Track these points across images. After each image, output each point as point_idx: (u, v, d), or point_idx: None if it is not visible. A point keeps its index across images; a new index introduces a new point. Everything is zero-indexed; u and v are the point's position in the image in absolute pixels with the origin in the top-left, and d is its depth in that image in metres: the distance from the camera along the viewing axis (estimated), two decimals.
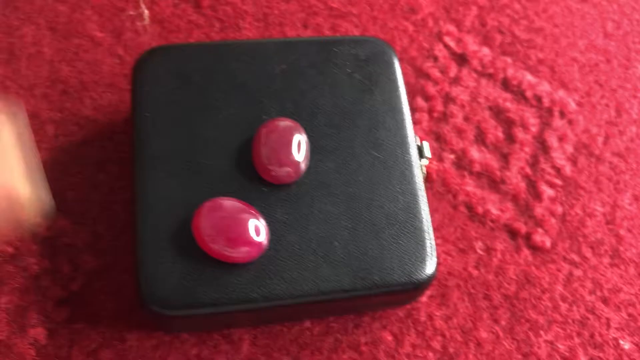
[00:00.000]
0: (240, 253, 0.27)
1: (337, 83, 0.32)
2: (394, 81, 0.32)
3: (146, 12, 0.39)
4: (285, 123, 0.30)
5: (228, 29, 0.39)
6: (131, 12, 0.39)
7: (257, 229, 0.28)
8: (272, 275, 0.28)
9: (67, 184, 0.35)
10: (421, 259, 0.29)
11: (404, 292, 0.29)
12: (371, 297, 0.29)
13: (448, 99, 0.39)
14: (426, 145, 0.32)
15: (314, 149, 0.31)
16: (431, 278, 0.29)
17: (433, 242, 0.30)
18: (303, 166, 0.30)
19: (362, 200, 0.30)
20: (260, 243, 0.28)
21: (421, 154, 0.32)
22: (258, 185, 0.29)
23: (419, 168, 0.31)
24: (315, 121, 0.31)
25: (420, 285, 0.29)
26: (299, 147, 0.30)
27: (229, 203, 0.28)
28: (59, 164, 0.35)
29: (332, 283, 0.28)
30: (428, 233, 0.30)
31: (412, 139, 0.32)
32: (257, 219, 0.28)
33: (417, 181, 0.31)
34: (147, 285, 0.27)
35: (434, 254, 0.30)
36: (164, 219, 0.28)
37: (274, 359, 0.32)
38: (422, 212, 0.30)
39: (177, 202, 0.29)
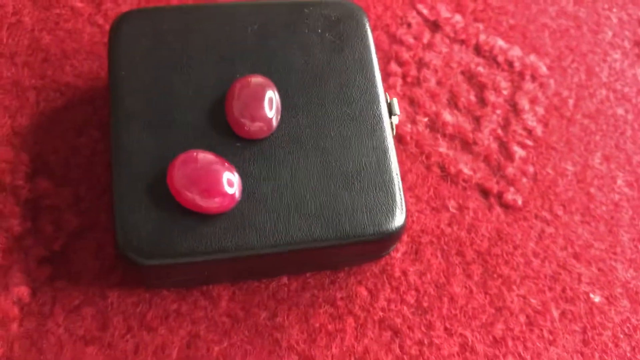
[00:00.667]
0: (214, 204, 0.28)
1: (308, 42, 0.33)
2: (364, 40, 0.33)
3: None
4: (257, 79, 0.31)
5: None
6: None
7: (230, 181, 0.29)
8: (245, 225, 0.29)
9: (49, 147, 0.35)
10: (390, 210, 0.30)
11: (374, 242, 0.30)
12: (342, 247, 0.30)
13: (421, 64, 0.40)
14: (395, 102, 0.33)
15: (286, 106, 0.31)
16: (401, 229, 0.30)
17: (402, 195, 0.31)
18: (275, 121, 0.31)
19: (333, 154, 0.31)
20: (232, 195, 0.29)
21: (391, 111, 0.33)
22: (231, 140, 0.30)
23: (388, 124, 0.32)
24: (287, 79, 0.32)
25: (390, 236, 0.30)
26: (271, 102, 0.30)
27: (203, 155, 0.29)
28: (41, 129, 0.36)
29: (303, 233, 0.29)
30: (397, 186, 0.31)
31: (382, 96, 0.32)
32: (230, 172, 0.29)
33: (386, 136, 0.32)
34: (124, 235, 0.28)
35: (403, 205, 0.30)
36: (140, 172, 0.29)
37: (252, 314, 0.33)
38: (392, 166, 0.31)
39: (152, 155, 0.30)
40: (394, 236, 0.30)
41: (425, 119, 0.38)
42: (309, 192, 0.30)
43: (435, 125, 0.38)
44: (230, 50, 0.32)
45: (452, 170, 0.37)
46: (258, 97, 0.30)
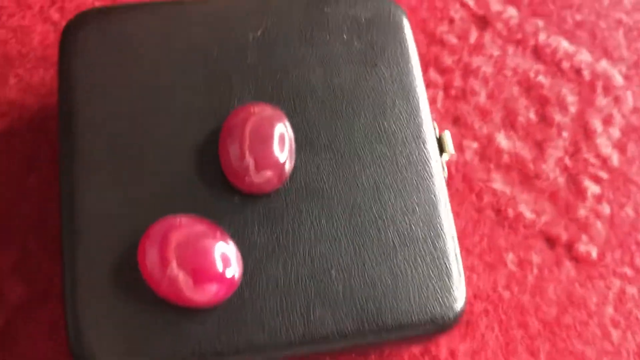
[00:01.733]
0: (204, 294, 0.20)
1: (331, 55, 0.24)
2: (404, 51, 0.25)
3: None
4: (262, 110, 0.22)
5: None
6: None
7: (226, 259, 0.20)
8: (247, 320, 0.21)
9: None
10: (446, 291, 0.22)
11: (424, 336, 0.22)
12: (381, 343, 0.22)
13: (467, 71, 0.31)
14: (447, 136, 0.24)
15: (302, 144, 0.23)
16: (459, 315, 0.22)
17: (461, 267, 0.23)
18: (288, 167, 0.22)
19: (368, 212, 0.23)
20: (230, 279, 0.21)
21: (441, 148, 0.24)
22: (228, 195, 0.22)
23: (439, 167, 0.24)
24: (302, 106, 0.24)
25: (445, 326, 0.22)
26: (282, 141, 0.22)
27: (188, 223, 0.21)
28: None
29: (329, 327, 0.21)
30: (455, 255, 0.23)
31: (430, 128, 0.24)
32: (226, 244, 0.21)
33: (437, 185, 0.23)
34: (78, 335, 0.20)
35: (463, 282, 0.23)
36: (101, 245, 0.21)
37: None
38: (446, 227, 0.23)
39: (118, 221, 0.21)
40: (451, 325, 0.22)
41: (475, 145, 0.30)
42: (335, 267, 0.22)
43: (487, 153, 0.30)
44: (225, 67, 0.24)
45: (510, 213, 0.29)
46: (265, 135, 0.22)
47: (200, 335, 0.20)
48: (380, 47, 0.25)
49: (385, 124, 0.24)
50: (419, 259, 0.22)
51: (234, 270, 0.21)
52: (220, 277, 0.20)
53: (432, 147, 0.24)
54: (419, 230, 0.23)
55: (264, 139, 0.22)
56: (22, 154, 0.28)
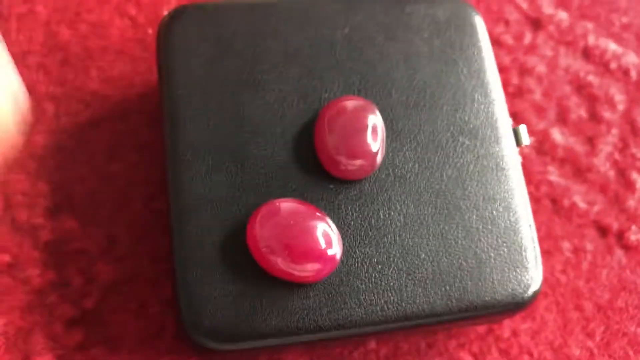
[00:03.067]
0: (309, 271, 0.22)
1: (413, 52, 0.26)
2: (481, 50, 0.26)
3: None
4: (355, 102, 0.24)
5: None
6: None
7: (329, 239, 0.22)
8: (346, 297, 0.22)
9: (74, 175, 0.28)
10: (526, 273, 0.24)
11: (504, 313, 0.24)
12: (466, 320, 0.23)
13: (523, 70, 0.33)
14: (523, 129, 0.26)
15: (389, 135, 0.25)
16: (535, 295, 0.24)
17: (538, 251, 0.24)
18: (380, 156, 0.24)
19: (452, 199, 0.24)
20: (332, 257, 0.22)
21: (518, 141, 0.26)
22: (323, 181, 0.24)
23: (516, 158, 0.25)
24: (388, 100, 0.25)
25: (525, 305, 0.24)
26: (375, 132, 0.24)
27: (291, 205, 0.22)
28: (63, 151, 0.29)
29: (421, 306, 0.23)
30: (533, 240, 0.24)
31: (507, 122, 0.26)
32: (328, 226, 0.22)
33: (515, 175, 0.25)
34: (192, 311, 0.21)
35: (540, 266, 0.24)
36: (209, 226, 0.22)
37: None
38: (525, 214, 0.25)
39: (224, 203, 0.23)
40: (529, 304, 0.24)
41: (532, 140, 0.32)
42: (424, 249, 0.23)
43: (543, 148, 0.32)
44: (315, 61, 0.25)
45: (566, 203, 0.31)
46: (359, 126, 0.23)
47: (304, 310, 0.22)
48: (459, 46, 0.26)
49: (465, 117, 0.25)
50: (501, 244, 0.24)
51: (335, 249, 0.22)
52: (323, 256, 0.22)
53: (508, 139, 0.25)
54: (499, 217, 0.24)
55: (358, 129, 0.23)
56: (105, 142, 0.29)
